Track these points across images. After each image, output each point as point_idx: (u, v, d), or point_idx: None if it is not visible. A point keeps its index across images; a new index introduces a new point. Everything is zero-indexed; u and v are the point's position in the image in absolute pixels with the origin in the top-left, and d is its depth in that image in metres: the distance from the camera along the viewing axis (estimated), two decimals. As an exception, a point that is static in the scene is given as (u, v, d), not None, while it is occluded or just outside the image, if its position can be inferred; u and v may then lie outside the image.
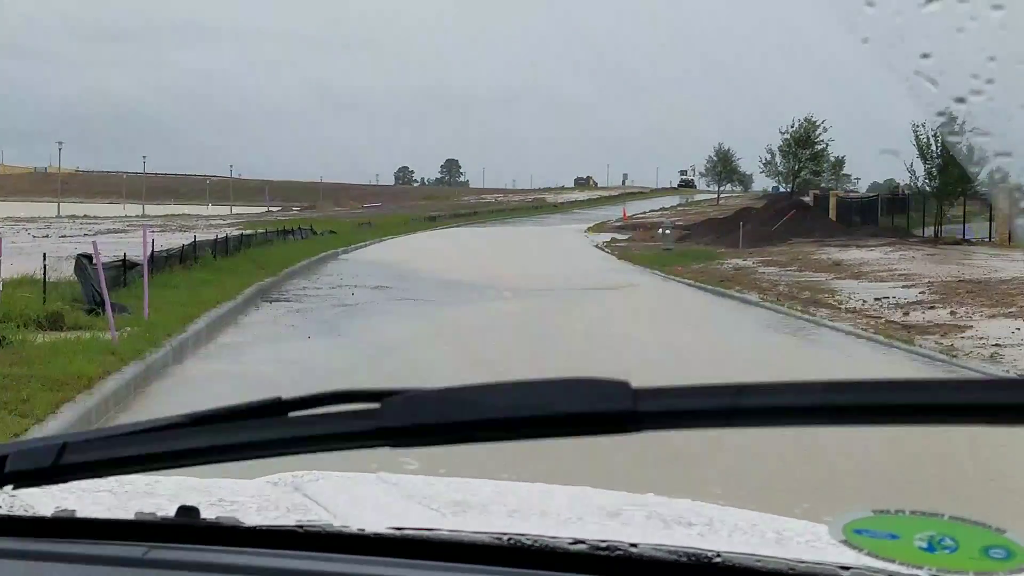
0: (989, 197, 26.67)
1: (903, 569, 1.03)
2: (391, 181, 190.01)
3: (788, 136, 64.94)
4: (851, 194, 70.03)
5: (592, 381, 1.04)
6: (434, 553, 1.25)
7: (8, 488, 1.23)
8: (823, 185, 67.50)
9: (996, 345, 12.83)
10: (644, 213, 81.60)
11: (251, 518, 1.38)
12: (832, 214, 50.44)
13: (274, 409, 1.19)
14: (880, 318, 15.93)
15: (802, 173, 66.32)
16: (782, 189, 74.05)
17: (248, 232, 31.33)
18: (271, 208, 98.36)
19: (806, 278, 23.55)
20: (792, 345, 14.41)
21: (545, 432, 1.07)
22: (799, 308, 17.66)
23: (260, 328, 14.91)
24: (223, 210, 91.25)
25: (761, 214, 47.05)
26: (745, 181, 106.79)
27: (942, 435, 5.96)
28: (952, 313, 15.94)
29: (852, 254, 30.39)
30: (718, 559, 1.21)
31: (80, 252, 14.45)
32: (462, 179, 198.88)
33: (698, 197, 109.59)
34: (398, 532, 1.31)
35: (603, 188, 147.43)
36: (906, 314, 16.17)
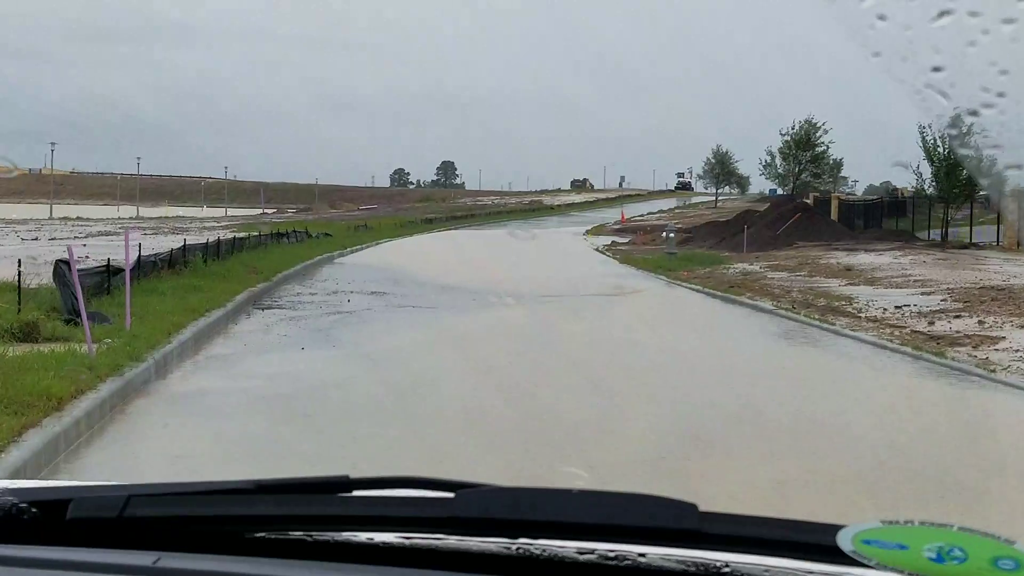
0: (999, 202, 26.13)
1: None
2: (387, 183, 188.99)
3: (788, 138, 64.42)
4: (850, 197, 69.51)
5: (660, 499, 1.14)
6: (443, 562, 1.23)
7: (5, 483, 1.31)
8: (822, 188, 66.97)
9: (1035, 358, 12.06)
10: (642, 216, 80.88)
11: (260, 526, 1.32)
12: (834, 217, 49.71)
13: (341, 485, 1.25)
14: (904, 327, 15.13)
15: (803, 175, 65.82)
16: (779, 192, 73.52)
17: (241, 235, 30.42)
18: (266, 210, 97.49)
19: (818, 284, 22.74)
20: (815, 358, 13.61)
21: (610, 540, 1.16)
22: (816, 316, 16.86)
23: (251, 338, 14.07)
24: (218, 212, 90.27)
25: (764, 217, 46.24)
26: (743, 183, 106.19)
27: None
28: (980, 323, 15.14)
29: (861, 258, 29.60)
30: (727, 569, 1.20)
31: (58, 257, 13.61)
32: (458, 181, 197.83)
33: (695, 199, 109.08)
34: (407, 541, 1.27)
35: (599, 190, 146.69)
36: (931, 323, 15.37)
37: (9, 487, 1.34)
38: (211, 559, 1.21)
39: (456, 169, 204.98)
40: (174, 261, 19.64)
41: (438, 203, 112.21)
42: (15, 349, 10.19)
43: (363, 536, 1.28)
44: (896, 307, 17.39)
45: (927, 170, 41.09)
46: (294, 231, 37.97)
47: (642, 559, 1.21)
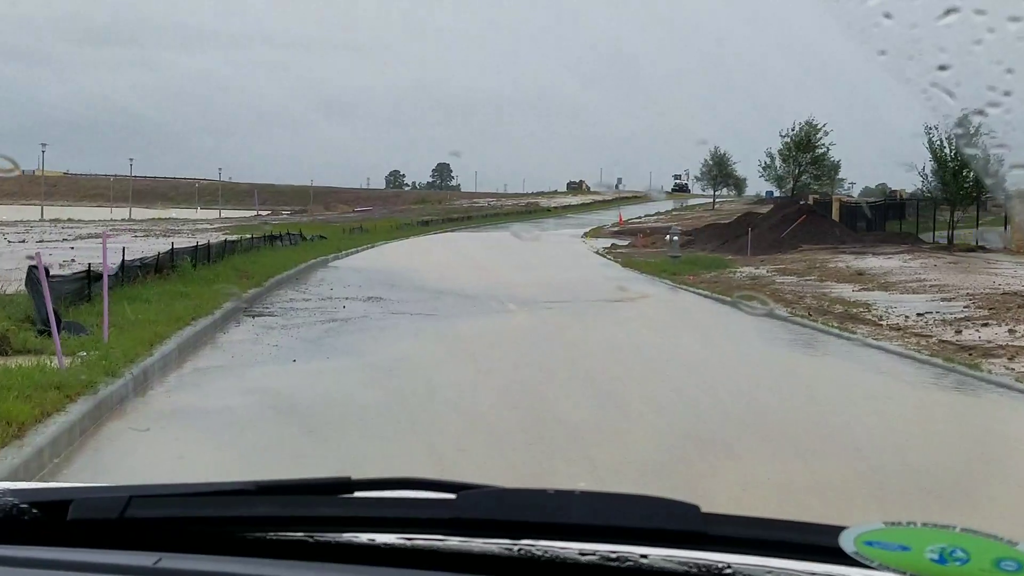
0: (1006, 203, 25.40)
1: None
2: (382, 185, 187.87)
3: (788, 140, 63.84)
4: (850, 199, 68.86)
5: (662, 500, 1.12)
6: (445, 563, 1.20)
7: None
8: (820, 190, 66.33)
9: (1078, 372, 11.27)
10: (640, 218, 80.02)
11: (261, 527, 1.28)
12: (835, 219, 48.95)
13: (342, 486, 1.23)
14: (930, 337, 14.33)
15: (803, 177, 65.26)
16: (776, 194, 72.88)
17: (232, 238, 29.53)
18: (260, 212, 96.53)
19: (831, 289, 21.93)
20: (841, 370, 12.79)
21: (612, 541, 1.14)
22: (835, 324, 16.05)
23: (239, 348, 13.22)
24: (212, 214, 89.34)
25: (767, 219, 45.46)
26: (740, 185, 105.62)
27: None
28: (1011, 332, 14.34)
29: (870, 262, 28.81)
30: (729, 571, 1.18)
31: (31, 263, 12.74)
32: (453, 183, 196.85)
33: (692, 201, 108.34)
34: (408, 542, 1.24)
35: (596, 192, 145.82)
36: (958, 332, 14.57)
37: (10, 488, 1.33)
38: (212, 560, 1.19)
39: (452, 171, 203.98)
40: (161, 266, 18.79)
41: (434, 205, 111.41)
42: (-21, 364, 9.34)
43: (364, 537, 1.26)
44: (918, 314, 16.59)
45: (931, 172, 40.56)
46: (288, 233, 37.10)
47: (644, 560, 1.19)
